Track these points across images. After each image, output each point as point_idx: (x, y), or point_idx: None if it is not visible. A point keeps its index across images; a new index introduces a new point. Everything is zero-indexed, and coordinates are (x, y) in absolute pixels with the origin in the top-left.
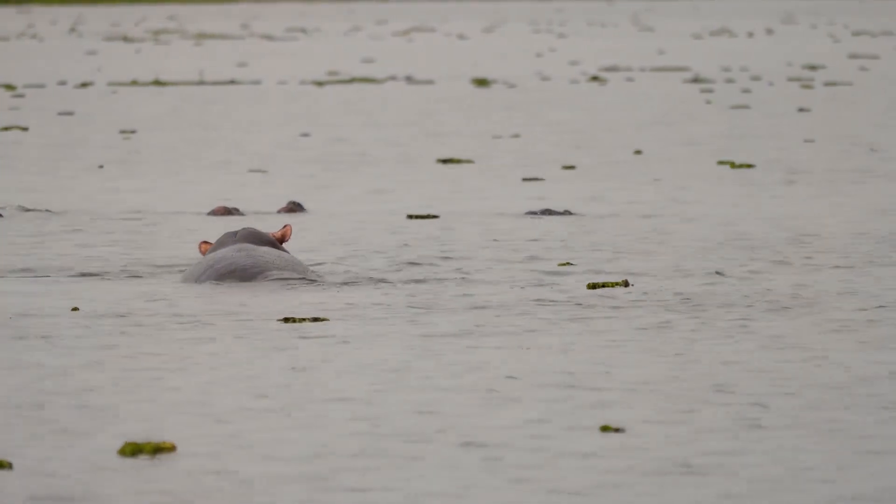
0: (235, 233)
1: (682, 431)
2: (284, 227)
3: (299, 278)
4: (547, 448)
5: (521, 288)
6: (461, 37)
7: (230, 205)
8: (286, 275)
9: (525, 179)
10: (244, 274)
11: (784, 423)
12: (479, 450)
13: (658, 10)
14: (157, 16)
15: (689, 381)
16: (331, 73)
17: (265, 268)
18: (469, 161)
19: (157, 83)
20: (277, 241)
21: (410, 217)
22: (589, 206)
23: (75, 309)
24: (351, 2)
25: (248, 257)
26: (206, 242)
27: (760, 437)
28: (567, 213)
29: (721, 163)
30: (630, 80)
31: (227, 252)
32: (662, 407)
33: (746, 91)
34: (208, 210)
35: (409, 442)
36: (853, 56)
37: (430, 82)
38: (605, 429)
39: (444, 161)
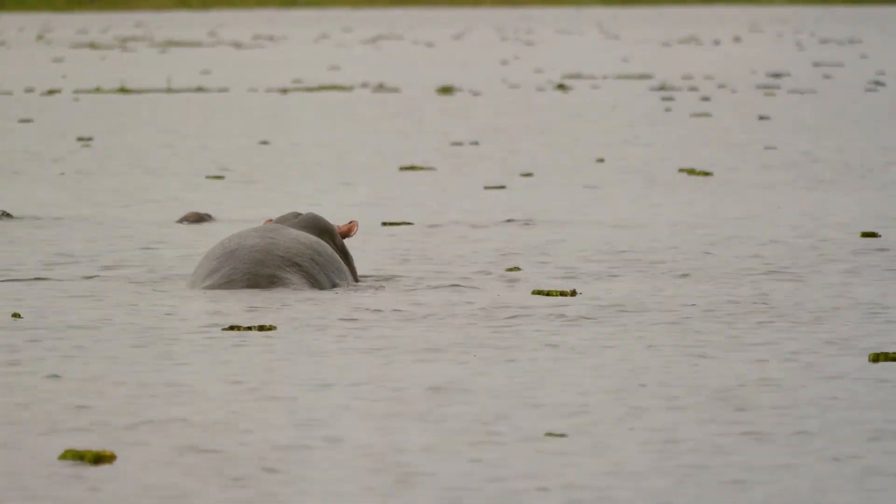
0: (298, 214)
1: (616, 442)
2: (350, 222)
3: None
4: (488, 458)
5: (457, 296)
6: (429, 44)
7: (202, 210)
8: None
9: (487, 188)
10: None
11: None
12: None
13: (625, 17)
14: (124, 23)
15: (618, 392)
16: (295, 81)
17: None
18: (431, 168)
19: (123, 90)
20: (340, 235)
21: (385, 224)
22: (546, 213)
23: (16, 315)
24: (319, 9)
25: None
26: (269, 220)
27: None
28: (528, 221)
29: (682, 170)
30: (595, 87)
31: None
32: (600, 416)
33: (708, 99)
34: (178, 217)
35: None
36: (817, 64)
37: (395, 90)
38: (549, 435)
39: (406, 168)
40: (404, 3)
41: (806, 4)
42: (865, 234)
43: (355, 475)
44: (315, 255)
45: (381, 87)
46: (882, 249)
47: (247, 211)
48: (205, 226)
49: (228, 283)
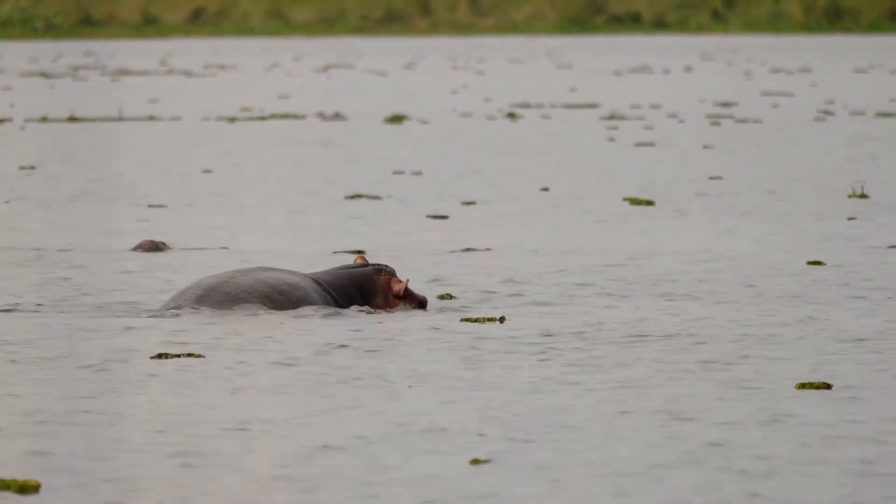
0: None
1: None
2: (400, 282)
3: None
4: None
5: (379, 322)
6: (380, 73)
7: (159, 240)
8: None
9: (429, 216)
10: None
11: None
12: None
13: (577, 46)
14: (75, 52)
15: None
16: (244, 110)
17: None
18: (376, 197)
19: (73, 119)
20: (392, 292)
21: (337, 253)
22: (485, 242)
23: None
24: (275, 38)
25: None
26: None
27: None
28: (467, 250)
29: (626, 199)
30: (545, 116)
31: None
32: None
33: (650, 128)
34: (133, 245)
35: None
36: (766, 93)
37: (344, 118)
38: (474, 462)
39: (352, 197)
40: (360, 31)
41: (759, 33)
42: (811, 263)
43: None
44: (272, 293)
45: (330, 116)
46: (825, 279)
47: (199, 240)
48: (161, 254)
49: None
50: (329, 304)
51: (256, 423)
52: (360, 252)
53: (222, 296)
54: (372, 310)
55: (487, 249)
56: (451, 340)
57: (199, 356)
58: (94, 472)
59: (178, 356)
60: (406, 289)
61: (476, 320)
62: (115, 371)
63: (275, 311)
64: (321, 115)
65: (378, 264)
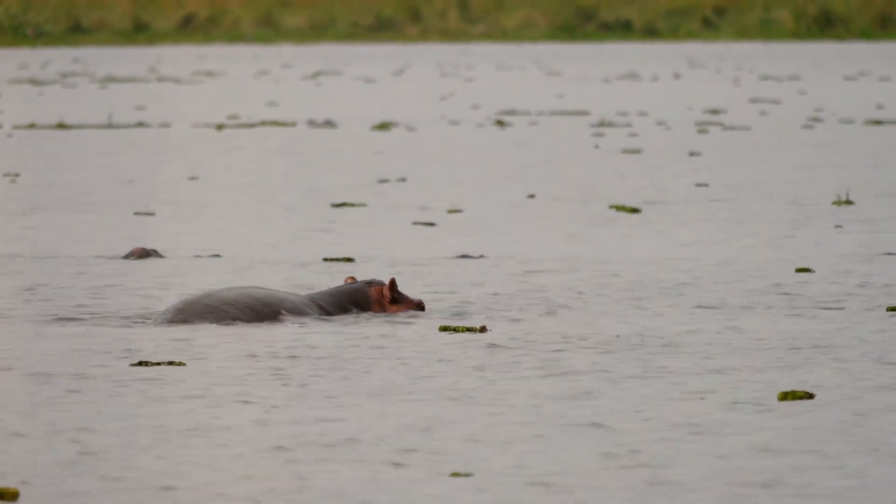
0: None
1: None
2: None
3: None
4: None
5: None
6: (368, 80)
7: (158, 247)
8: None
9: (416, 223)
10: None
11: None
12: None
13: (566, 53)
14: (64, 59)
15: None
16: (231, 117)
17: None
18: (362, 205)
19: (61, 126)
20: (381, 298)
21: (326, 260)
22: (470, 249)
23: None
24: (265, 45)
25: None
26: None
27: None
28: (454, 257)
29: (612, 206)
30: (533, 123)
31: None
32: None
33: (637, 135)
34: (125, 252)
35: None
36: (754, 100)
37: (332, 126)
38: (454, 475)
39: (338, 205)
40: (351, 38)
41: (750, 40)
42: (800, 270)
43: None
44: (256, 305)
45: (318, 123)
46: (809, 283)
47: (188, 247)
48: (152, 261)
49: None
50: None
51: (215, 431)
52: (349, 259)
53: (203, 307)
54: (383, 320)
55: (481, 256)
56: (423, 349)
57: (180, 364)
58: (67, 481)
59: (158, 364)
60: (395, 288)
61: (455, 329)
62: (91, 379)
63: (256, 323)
64: (309, 122)
65: (371, 280)
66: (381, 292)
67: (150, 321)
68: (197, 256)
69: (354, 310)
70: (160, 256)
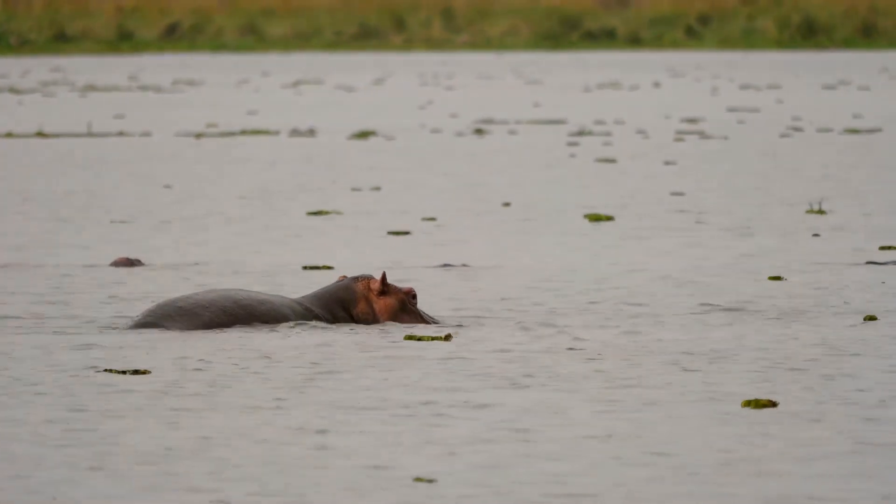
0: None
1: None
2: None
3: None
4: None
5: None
6: (349, 89)
7: (132, 256)
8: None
9: (391, 233)
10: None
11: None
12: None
13: (547, 62)
14: (43, 67)
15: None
16: (210, 126)
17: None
18: (338, 213)
19: (41, 135)
20: (371, 293)
21: (306, 268)
22: (442, 258)
23: None
24: (248, 53)
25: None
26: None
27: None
28: (425, 265)
29: (587, 215)
30: (512, 132)
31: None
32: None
33: (613, 144)
34: (110, 261)
35: None
36: (732, 109)
37: (311, 134)
38: (417, 480)
39: (314, 213)
40: (335, 47)
41: (734, 50)
42: (772, 278)
43: None
44: (233, 308)
45: (297, 132)
46: (786, 295)
47: (166, 256)
48: (137, 270)
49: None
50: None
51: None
52: (329, 267)
53: (175, 310)
54: (354, 325)
55: (464, 265)
56: (380, 357)
57: (145, 372)
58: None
59: (124, 373)
60: (385, 282)
61: (420, 338)
62: (55, 386)
63: (228, 327)
64: (288, 131)
65: (359, 275)
66: (368, 286)
67: (120, 325)
68: (179, 265)
69: (341, 312)
70: (142, 265)
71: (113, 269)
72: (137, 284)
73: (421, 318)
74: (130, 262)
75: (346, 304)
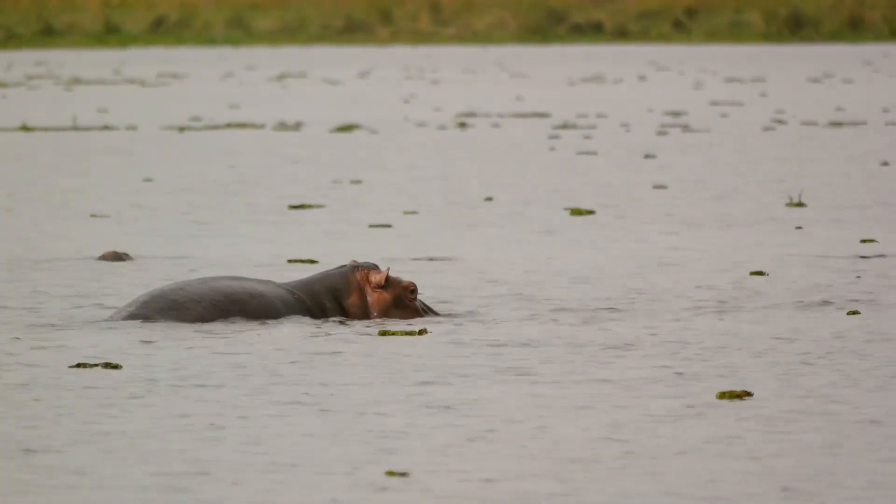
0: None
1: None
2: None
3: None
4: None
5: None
6: (333, 82)
7: (121, 250)
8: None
9: (372, 226)
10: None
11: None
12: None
13: (533, 56)
14: (27, 61)
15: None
16: (193, 119)
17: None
18: (320, 206)
19: (25, 129)
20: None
21: (291, 262)
22: (424, 251)
23: None
24: (236, 47)
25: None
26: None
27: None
28: (407, 259)
29: (567, 209)
30: (495, 126)
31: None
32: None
33: (594, 138)
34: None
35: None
36: (716, 103)
37: (295, 128)
38: (389, 474)
39: (296, 207)
40: (322, 41)
41: (721, 43)
42: (754, 273)
43: None
44: (224, 302)
45: (279, 125)
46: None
47: (150, 249)
48: (126, 264)
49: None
50: (302, 314)
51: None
52: (313, 261)
53: (168, 303)
54: (340, 320)
55: (448, 259)
56: (354, 354)
57: (115, 366)
58: None
59: (95, 366)
60: (388, 279)
61: (393, 333)
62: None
63: (220, 321)
64: (271, 125)
65: (363, 263)
66: (367, 276)
67: (112, 317)
68: (166, 258)
69: (331, 303)
70: (131, 259)
71: (102, 262)
72: (127, 278)
73: (417, 313)
74: (119, 256)
75: (337, 294)
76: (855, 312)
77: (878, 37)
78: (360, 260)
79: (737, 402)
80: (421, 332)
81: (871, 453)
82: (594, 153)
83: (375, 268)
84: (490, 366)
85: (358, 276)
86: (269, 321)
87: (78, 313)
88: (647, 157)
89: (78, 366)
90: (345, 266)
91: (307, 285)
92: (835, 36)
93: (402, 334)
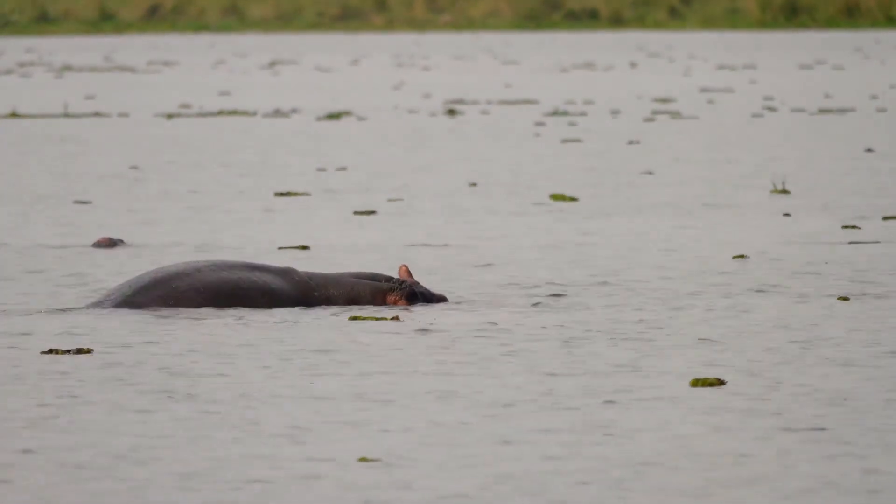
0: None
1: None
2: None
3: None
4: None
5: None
6: (324, 70)
7: (114, 236)
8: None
9: (357, 213)
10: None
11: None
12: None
13: (524, 42)
14: (18, 48)
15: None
16: (183, 106)
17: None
18: (305, 194)
19: (14, 115)
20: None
21: (281, 248)
22: (404, 238)
23: None
24: (230, 34)
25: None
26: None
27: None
28: (387, 245)
29: (552, 195)
30: (485, 112)
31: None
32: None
33: (582, 124)
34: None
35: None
36: (705, 90)
37: (285, 115)
38: (363, 460)
39: (281, 194)
40: (317, 28)
41: (716, 30)
42: (736, 258)
43: None
44: (229, 290)
45: (269, 113)
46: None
47: (160, 237)
48: (120, 250)
49: (102, 303)
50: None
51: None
52: (305, 247)
53: (169, 290)
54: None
55: (444, 245)
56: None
57: (87, 351)
58: None
59: (68, 352)
60: (412, 301)
61: (365, 318)
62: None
63: (219, 309)
64: (263, 112)
65: (402, 281)
66: (395, 303)
67: (106, 301)
68: (159, 245)
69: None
70: (126, 245)
71: (95, 248)
72: (120, 264)
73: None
74: (112, 242)
75: (357, 302)
76: (844, 298)
77: (873, 23)
78: (411, 268)
79: (711, 389)
80: (393, 319)
81: (859, 437)
82: (579, 140)
83: (413, 298)
84: (476, 353)
85: (389, 300)
86: (259, 313)
87: (65, 298)
88: (630, 143)
89: (50, 351)
90: (383, 282)
91: (331, 284)
92: (830, 23)
93: (375, 319)
